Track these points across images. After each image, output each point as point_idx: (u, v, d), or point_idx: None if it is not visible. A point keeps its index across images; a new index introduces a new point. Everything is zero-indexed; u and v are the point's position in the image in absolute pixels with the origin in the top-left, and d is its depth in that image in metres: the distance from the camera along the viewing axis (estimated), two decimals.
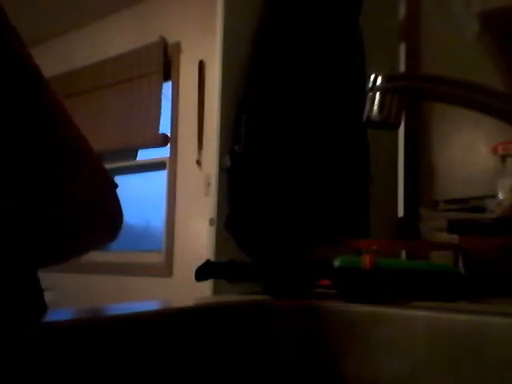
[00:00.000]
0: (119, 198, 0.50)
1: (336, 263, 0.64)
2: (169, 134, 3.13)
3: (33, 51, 0.47)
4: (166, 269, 2.97)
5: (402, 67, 1.20)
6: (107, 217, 0.49)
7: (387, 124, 0.62)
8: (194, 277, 0.67)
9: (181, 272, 2.88)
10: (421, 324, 0.49)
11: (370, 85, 0.62)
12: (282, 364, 0.58)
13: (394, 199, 1.15)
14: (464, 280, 0.65)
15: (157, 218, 3.18)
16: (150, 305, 0.57)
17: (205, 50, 2.91)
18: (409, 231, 1.10)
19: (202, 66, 2.99)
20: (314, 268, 0.65)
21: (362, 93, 0.67)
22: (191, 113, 3.00)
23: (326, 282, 0.65)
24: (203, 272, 0.67)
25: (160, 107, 3.14)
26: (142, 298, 0.99)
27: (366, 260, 0.63)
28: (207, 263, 0.69)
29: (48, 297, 0.49)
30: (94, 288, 3.18)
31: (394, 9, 1.22)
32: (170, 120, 3.15)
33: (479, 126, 1.06)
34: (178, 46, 3.16)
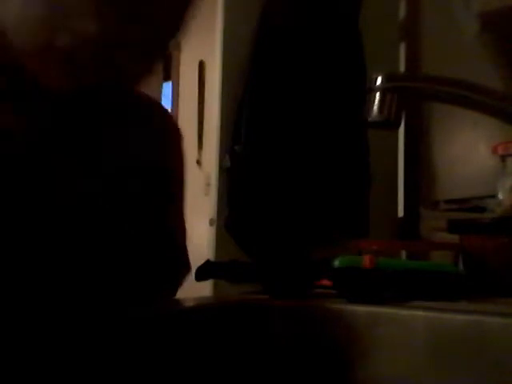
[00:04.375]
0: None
1: (336, 263, 0.64)
2: None
3: None
4: None
5: (402, 67, 1.20)
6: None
7: (387, 124, 0.62)
8: (194, 277, 0.67)
9: None
10: (421, 324, 0.49)
11: (370, 85, 0.62)
12: (282, 364, 0.58)
13: (394, 199, 1.15)
14: (465, 280, 0.65)
15: None
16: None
17: (205, 50, 2.91)
18: (409, 231, 1.10)
19: (202, 66, 2.99)
20: (315, 268, 0.65)
21: (361, 93, 0.67)
22: (191, 113, 3.00)
23: (326, 282, 0.65)
24: (203, 272, 0.67)
25: None
26: None
27: (367, 260, 0.63)
28: (207, 263, 0.69)
29: None
30: None
31: (394, 9, 1.22)
32: None
33: (479, 126, 1.06)
34: (178, 46, 3.16)
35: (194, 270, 0.67)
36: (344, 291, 0.61)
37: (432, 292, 0.61)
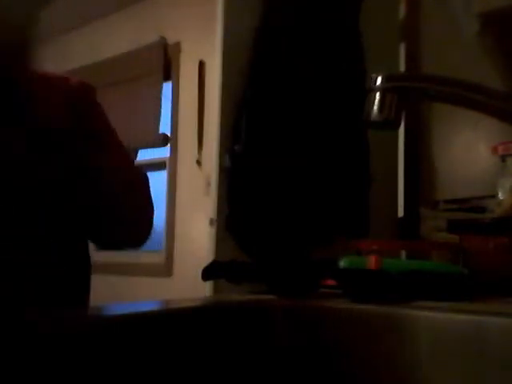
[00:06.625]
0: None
1: (342, 263, 0.64)
2: (169, 134, 3.13)
3: None
4: (166, 269, 2.97)
5: (402, 67, 1.20)
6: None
7: (387, 124, 0.62)
8: (198, 276, 0.67)
9: (181, 272, 2.88)
10: (421, 324, 0.49)
11: (370, 85, 0.62)
12: (284, 364, 0.58)
13: (394, 199, 1.15)
14: (469, 280, 0.65)
15: (157, 218, 3.18)
16: (150, 305, 0.57)
17: (205, 50, 2.91)
18: (409, 231, 1.10)
19: (202, 66, 3.00)
20: (319, 268, 0.65)
21: (361, 93, 0.67)
22: (191, 113, 3.00)
23: (330, 281, 0.65)
24: (210, 272, 0.67)
25: (160, 107, 3.14)
26: (142, 298, 0.99)
27: (372, 260, 0.63)
28: (214, 263, 0.69)
29: None
30: (94, 288, 3.17)
31: (394, 9, 1.22)
32: (170, 120, 3.15)
33: (479, 126, 1.06)
34: (177, 46, 3.16)
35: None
36: (349, 291, 0.61)
37: (438, 292, 0.61)
